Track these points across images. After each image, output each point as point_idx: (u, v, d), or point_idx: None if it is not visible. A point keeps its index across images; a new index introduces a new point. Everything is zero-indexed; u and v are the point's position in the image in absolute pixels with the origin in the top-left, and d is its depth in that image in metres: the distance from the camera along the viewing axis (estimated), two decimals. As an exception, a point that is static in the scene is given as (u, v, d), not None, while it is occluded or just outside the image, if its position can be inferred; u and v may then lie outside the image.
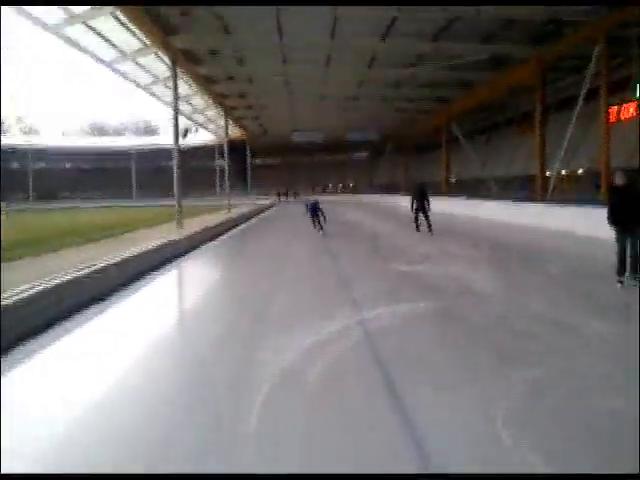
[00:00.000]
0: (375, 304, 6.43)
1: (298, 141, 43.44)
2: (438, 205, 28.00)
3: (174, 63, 19.16)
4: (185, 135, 21.64)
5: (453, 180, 44.68)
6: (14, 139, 65.49)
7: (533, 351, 4.50)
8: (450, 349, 4.71)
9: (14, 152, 61.34)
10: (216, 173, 52.05)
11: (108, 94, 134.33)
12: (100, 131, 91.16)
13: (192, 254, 12.57)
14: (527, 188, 28.92)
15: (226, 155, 32.79)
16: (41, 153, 65.44)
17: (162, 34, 17.94)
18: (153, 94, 25.60)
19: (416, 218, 15.05)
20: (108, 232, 16.99)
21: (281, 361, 4.39)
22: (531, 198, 20.95)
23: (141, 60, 20.96)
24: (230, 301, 7.64)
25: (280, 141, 55.45)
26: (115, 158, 66.04)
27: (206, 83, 26.03)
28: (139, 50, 19.57)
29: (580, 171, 25.31)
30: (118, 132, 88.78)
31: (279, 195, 54.32)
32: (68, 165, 69.74)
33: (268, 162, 70.91)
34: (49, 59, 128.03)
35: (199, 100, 30.65)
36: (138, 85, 23.90)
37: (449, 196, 31.51)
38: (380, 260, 10.47)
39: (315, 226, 16.17)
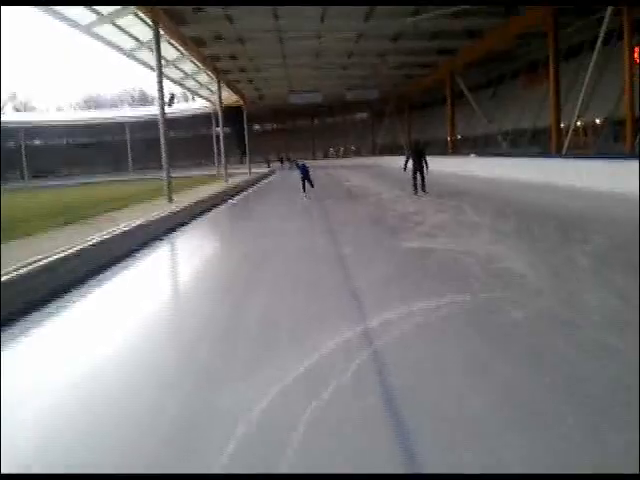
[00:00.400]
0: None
1: (296, 103, 41.70)
2: (446, 165, 27.04)
3: (156, 24, 17.67)
4: (171, 102, 20.08)
5: (458, 137, 43.10)
6: (7, 116, 63.76)
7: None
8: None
9: (7, 129, 59.67)
10: (213, 141, 50.53)
11: (101, 66, 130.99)
12: (96, 104, 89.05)
13: (175, 235, 11.27)
14: (538, 142, 27.52)
15: (220, 122, 31.36)
16: (36, 130, 63.54)
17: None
18: (138, 60, 23.96)
19: (414, 179, 14.64)
20: (92, 211, 15.85)
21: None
22: (544, 152, 19.62)
23: (120, 22, 19.46)
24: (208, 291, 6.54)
25: (278, 105, 53.82)
26: (110, 131, 64.18)
27: (194, 45, 24.42)
28: (117, 11, 18.03)
29: (597, 121, 23.73)
30: (114, 104, 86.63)
31: (281, 161, 53.03)
32: (64, 141, 68.07)
33: (267, 128, 69.15)
34: (35, 32, 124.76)
35: (189, 65, 29.03)
36: (121, 51, 22.34)
37: (456, 155, 30.12)
38: (383, 234, 9.33)
39: (304, 190, 17.14)
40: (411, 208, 12.32)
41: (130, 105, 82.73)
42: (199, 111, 55.38)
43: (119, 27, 19.76)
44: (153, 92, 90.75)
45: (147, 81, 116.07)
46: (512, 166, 18.06)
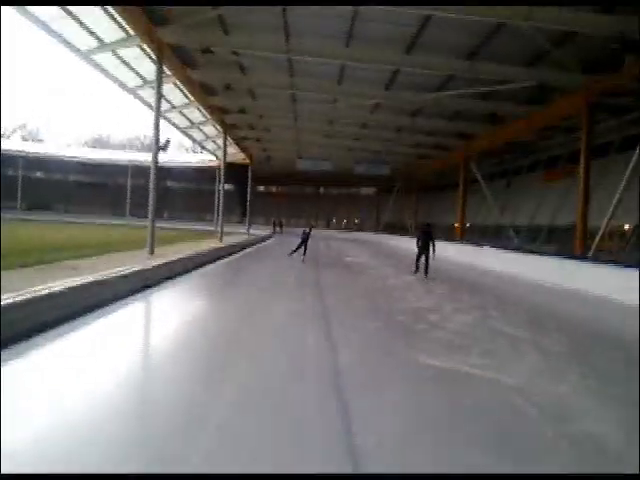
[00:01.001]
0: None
1: (303, 169, 40.31)
2: (457, 254, 24.94)
3: (159, 58, 16.14)
4: (166, 147, 18.58)
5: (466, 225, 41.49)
6: (11, 144, 62.60)
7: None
8: None
9: (8, 158, 58.32)
10: (215, 197, 49.26)
11: (115, 109, 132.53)
12: (104, 145, 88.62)
13: (142, 295, 9.05)
14: (555, 241, 25.72)
15: (222, 178, 29.84)
16: (38, 161, 62.05)
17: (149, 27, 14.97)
18: (141, 99, 22.49)
19: (418, 259, 14.53)
20: (59, 255, 13.60)
21: None
22: (568, 254, 17.61)
23: (126, 56, 18.09)
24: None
25: (284, 169, 52.60)
26: (112, 173, 62.87)
27: (201, 91, 23.09)
28: (120, 41, 16.56)
29: (626, 227, 21.98)
30: (122, 148, 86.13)
31: (274, 225, 51.35)
32: (65, 176, 66.74)
33: (271, 190, 68.11)
34: (55, 66, 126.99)
35: (196, 114, 27.73)
36: (124, 87, 20.88)
37: (463, 242, 28.18)
38: (391, 338, 7.14)
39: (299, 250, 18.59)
40: (425, 302, 10.27)
41: (138, 150, 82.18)
42: (207, 164, 54.03)
43: (124, 61, 18.41)
44: (161, 139, 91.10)
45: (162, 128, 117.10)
46: (535, 265, 15.90)
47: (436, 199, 47.23)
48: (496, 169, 35.70)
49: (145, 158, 61.41)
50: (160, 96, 16.55)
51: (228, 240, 27.66)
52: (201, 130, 31.56)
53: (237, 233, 42.69)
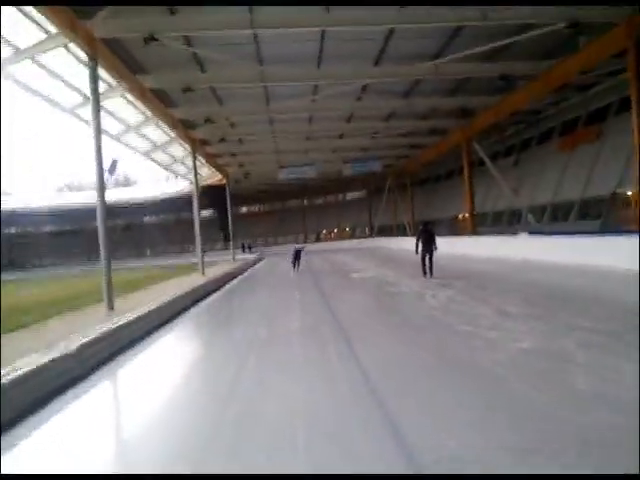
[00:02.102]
0: None
1: (286, 180, 36.72)
2: (476, 248, 21.72)
3: (93, 61, 12.42)
4: (112, 170, 15.06)
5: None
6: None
7: None
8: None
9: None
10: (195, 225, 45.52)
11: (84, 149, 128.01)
12: (80, 188, 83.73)
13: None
14: (593, 215, 22.27)
15: (195, 203, 25.65)
16: (10, 216, 57.36)
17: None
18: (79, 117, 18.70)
19: (423, 261, 14.07)
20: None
21: None
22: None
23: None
24: None
25: (266, 184, 49.09)
26: (86, 217, 58.32)
27: (156, 100, 19.43)
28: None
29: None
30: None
31: (243, 248, 49.63)
32: (38, 227, 62.48)
33: (253, 210, 64.50)
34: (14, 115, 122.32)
35: (159, 134, 24.06)
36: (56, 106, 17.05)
37: (487, 233, 24.71)
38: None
39: (294, 267, 21.24)
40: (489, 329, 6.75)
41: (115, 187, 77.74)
42: (184, 191, 49.72)
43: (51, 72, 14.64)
44: (137, 176, 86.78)
45: (131, 164, 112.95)
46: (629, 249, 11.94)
47: (432, 192, 43.76)
48: (497, 147, 32.19)
49: (117, 197, 57.48)
50: (98, 108, 12.74)
51: (211, 272, 23.87)
52: (166, 152, 27.75)
53: (222, 261, 38.95)
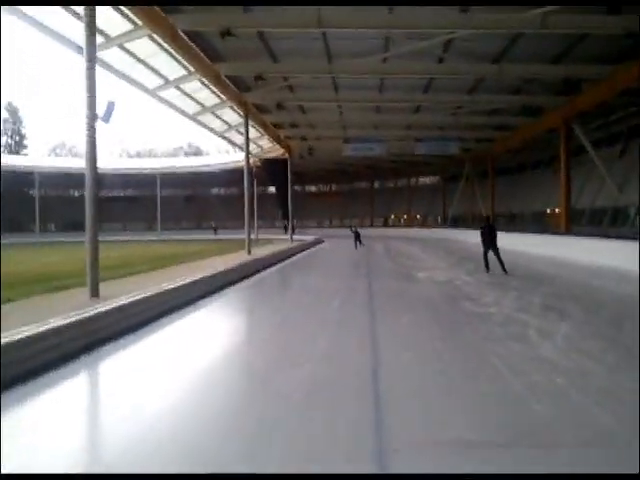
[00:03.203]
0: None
1: (351, 156, 33.20)
2: (571, 250, 17.42)
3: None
4: (109, 114, 12.20)
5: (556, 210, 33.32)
6: (38, 162, 58.19)
7: None
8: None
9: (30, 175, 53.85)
10: (260, 200, 42.91)
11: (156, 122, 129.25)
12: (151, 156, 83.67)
13: None
14: None
15: (245, 175, 22.78)
16: (69, 178, 57.01)
17: None
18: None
19: (485, 256, 13.76)
20: None
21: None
22: None
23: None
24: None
25: (331, 163, 45.93)
26: (147, 184, 57.30)
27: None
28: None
29: None
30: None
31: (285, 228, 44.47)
32: (100, 192, 62.18)
33: (319, 189, 61.48)
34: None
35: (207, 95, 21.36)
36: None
37: (577, 234, 20.41)
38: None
39: (356, 246, 26.30)
40: None
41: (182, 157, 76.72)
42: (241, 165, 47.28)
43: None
44: (208, 148, 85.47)
45: (202, 137, 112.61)
46: None
47: (516, 182, 38.92)
48: (599, 134, 27.25)
49: (181, 164, 55.83)
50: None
51: (259, 252, 21.15)
52: (218, 117, 25.01)
53: (279, 240, 36.29)
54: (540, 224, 32.19)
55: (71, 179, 52.50)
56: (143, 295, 7.91)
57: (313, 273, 17.12)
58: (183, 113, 22.71)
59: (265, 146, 36.18)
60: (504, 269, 13.02)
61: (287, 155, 35.29)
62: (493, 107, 24.76)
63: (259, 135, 31.09)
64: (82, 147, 10.00)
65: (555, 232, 22.55)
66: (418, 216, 53.52)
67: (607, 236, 16.29)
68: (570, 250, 17.40)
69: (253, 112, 23.94)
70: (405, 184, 54.17)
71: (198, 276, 10.63)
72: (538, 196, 33.26)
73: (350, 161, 44.13)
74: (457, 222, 42.98)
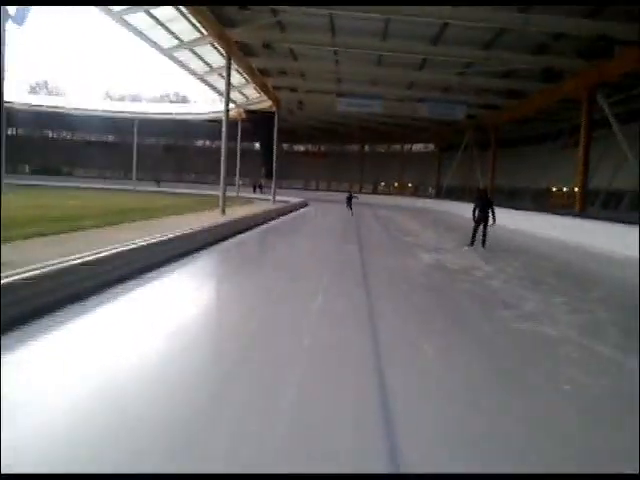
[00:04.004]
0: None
1: (345, 116, 30.39)
2: (586, 235, 15.20)
3: None
4: (23, 17, 9.63)
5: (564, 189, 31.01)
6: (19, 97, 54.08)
7: None
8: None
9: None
10: (245, 156, 39.99)
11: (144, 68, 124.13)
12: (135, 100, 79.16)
13: None
14: None
15: (224, 126, 19.68)
16: (49, 117, 51.65)
17: None
18: None
19: (475, 230, 13.08)
20: None
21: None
22: None
23: None
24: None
25: (322, 122, 42.93)
26: (124, 128, 53.34)
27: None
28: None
29: None
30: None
31: (254, 188, 45.91)
32: (74, 134, 58.36)
33: (306, 149, 58.34)
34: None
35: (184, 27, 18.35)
36: None
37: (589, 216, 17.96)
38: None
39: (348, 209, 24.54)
40: None
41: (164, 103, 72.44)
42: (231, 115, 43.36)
43: None
44: (196, 98, 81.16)
45: (189, 86, 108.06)
46: None
47: (520, 156, 36.23)
48: (619, 108, 24.57)
49: (162, 110, 52.17)
50: None
51: (234, 213, 18.58)
52: (197, 55, 21.95)
53: (259, 200, 33.62)
54: (541, 202, 29.88)
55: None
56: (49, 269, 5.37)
57: (296, 243, 14.54)
58: (155, 45, 19.69)
59: (252, 96, 33.09)
60: (483, 244, 12.90)
61: (274, 108, 32.21)
62: (508, 67, 21.94)
63: (244, 83, 28.06)
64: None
65: (566, 212, 20.09)
66: (410, 185, 50.91)
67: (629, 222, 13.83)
68: (582, 232, 15.27)
69: (237, 54, 20.90)
70: (398, 150, 51.33)
71: (140, 242, 8.03)
72: (543, 172, 30.79)
73: (342, 120, 41.19)
74: (451, 194, 40.45)
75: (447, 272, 9.76)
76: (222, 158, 19.56)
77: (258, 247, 14.23)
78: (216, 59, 22.50)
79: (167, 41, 19.73)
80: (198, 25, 17.84)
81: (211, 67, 23.89)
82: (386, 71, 24.26)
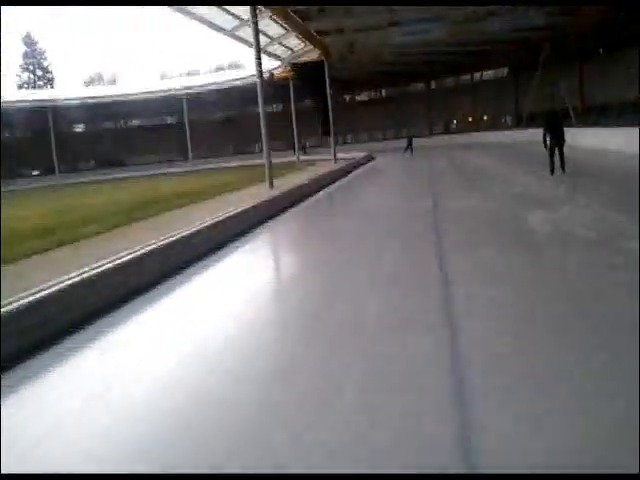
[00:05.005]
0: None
1: (404, 48, 26.45)
2: None
3: None
4: None
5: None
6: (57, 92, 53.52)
7: None
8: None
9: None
10: (299, 116, 36.48)
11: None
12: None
13: None
14: None
15: (260, 87, 16.68)
16: (104, 108, 49.68)
17: None
18: None
19: (551, 156, 12.62)
20: None
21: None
22: None
23: None
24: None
25: (378, 63, 38.79)
26: (170, 108, 51.46)
27: None
28: None
29: None
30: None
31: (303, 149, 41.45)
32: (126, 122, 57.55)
33: (364, 98, 54.42)
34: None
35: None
36: None
37: None
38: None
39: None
40: None
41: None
42: (278, 75, 39.79)
43: None
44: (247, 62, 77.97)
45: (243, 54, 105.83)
46: None
47: (610, 66, 30.63)
48: None
49: (210, 80, 49.70)
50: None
51: (285, 183, 16.06)
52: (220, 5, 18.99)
53: (320, 161, 30.81)
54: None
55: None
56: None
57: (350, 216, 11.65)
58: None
59: (296, 48, 29.81)
60: (563, 167, 12.64)
61: (324, 58, 28.70)
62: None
63: (283, 32, 24.84)
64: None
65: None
66: (485, 117, 45.99)
67: None
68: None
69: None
70: (468, 82, 46.33)
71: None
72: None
73: (402, 59, 37.05)
74: (533, 122, 35.53)
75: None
76: (262, 122, 16.73)
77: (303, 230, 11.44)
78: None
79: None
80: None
81: (240, 19, 20.86)
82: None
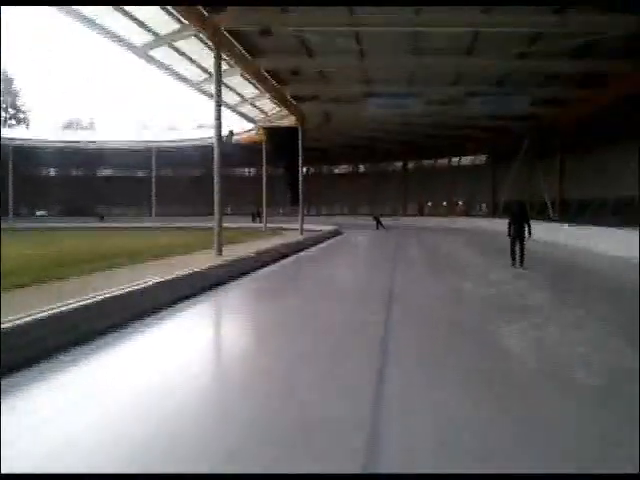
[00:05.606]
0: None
1: (380, 124, 25.49)
2: None
3: None
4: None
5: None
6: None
7: None
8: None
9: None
10: (272, 182, 34.45)
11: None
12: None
13: None
14: None
15: (216, 147, 14.84)
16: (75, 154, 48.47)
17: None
18: None
19: (513, 247, 12.35)
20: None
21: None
22: None
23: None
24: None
25: (355, 137, 38.05)
26: (143, 160, 49.60)
27: None
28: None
29: None
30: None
31: (253, 217, 42.16)
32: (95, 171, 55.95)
33: (339, 171, 53.90)
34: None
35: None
36: None
37: None
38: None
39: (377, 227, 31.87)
40: None
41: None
42: (250, 138, 38.21)
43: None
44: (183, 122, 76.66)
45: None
46: None
47: (593, 161, 29.73)
48: None
49: (186, 136, 48.16)
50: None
51: (237, 251, 14.09)
52: (186, 57, 17.56)
53: (286, 230, 29.04)
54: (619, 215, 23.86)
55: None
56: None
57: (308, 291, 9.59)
58: (128, 45, 15.40)
59: (271, 112, 28.64)
60: (522, 262, 12.19)
61: (299, 124, 27.43)
62: (585, 40, 16.60)
63: (257, 93, 23.56)
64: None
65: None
66: (460, 203, 45.07)
67: None
68: None
69: (235, 51, 16.45)
70: (446, 165, 45.76)
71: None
72: (625, 178, 24.66)
73: (379, 135, 36.28)
74: (509, 212, 34.31)
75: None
76: (215, 187, 14.91)
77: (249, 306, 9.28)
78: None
79: (139, 37, 15.43)
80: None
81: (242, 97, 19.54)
82: (424, 60, 19.22)
